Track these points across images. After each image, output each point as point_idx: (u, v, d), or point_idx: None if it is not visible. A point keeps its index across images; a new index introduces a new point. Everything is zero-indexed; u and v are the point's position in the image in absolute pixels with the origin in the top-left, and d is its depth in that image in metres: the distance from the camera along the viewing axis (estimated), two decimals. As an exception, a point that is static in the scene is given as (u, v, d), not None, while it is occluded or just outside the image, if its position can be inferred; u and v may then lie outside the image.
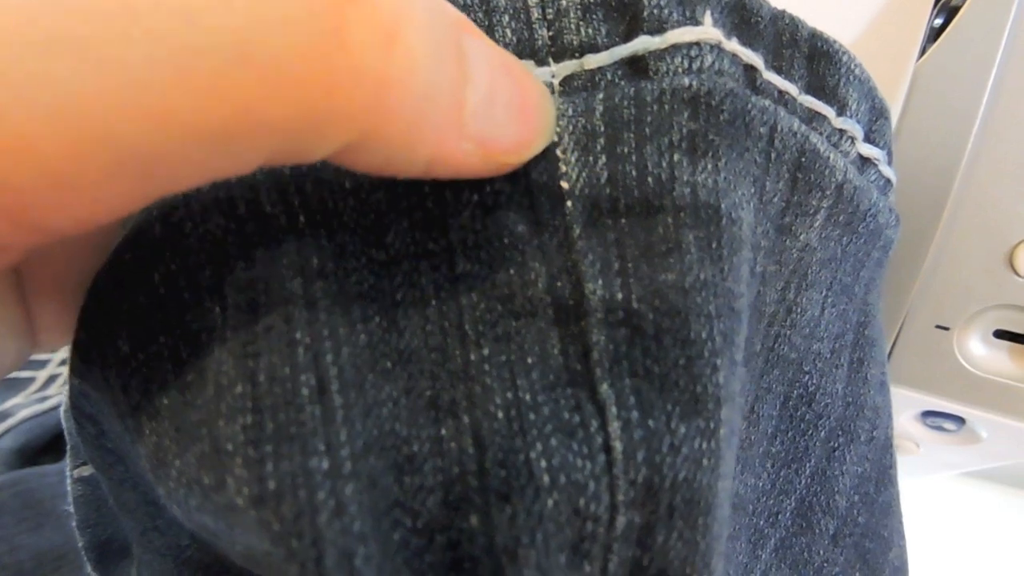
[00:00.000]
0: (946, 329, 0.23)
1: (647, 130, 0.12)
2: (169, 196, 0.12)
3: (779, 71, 0.14)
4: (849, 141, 0.14)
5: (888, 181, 0.16)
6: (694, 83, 0.12)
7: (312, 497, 0.10)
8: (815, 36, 0.14)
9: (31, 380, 0.34)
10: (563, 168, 0.12)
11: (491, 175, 0.11)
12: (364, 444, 0.11)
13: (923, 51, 0.22)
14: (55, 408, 0.32)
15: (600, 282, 0.11)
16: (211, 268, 0.11)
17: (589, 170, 0.12)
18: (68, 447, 0.17)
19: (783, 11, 0.14)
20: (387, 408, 0.11)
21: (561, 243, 0.12)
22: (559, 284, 0.12)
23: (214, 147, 0.08)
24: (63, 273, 0.13)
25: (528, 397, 0.11)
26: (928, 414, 0.25)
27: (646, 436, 0.11)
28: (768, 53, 0.13)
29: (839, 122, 0.14)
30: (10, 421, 0.31)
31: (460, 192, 0.12)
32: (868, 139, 0.15)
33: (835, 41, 0.14)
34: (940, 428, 0.26)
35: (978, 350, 0.23)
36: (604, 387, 0.11)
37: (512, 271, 0.12)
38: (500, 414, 0.11)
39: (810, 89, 0.14)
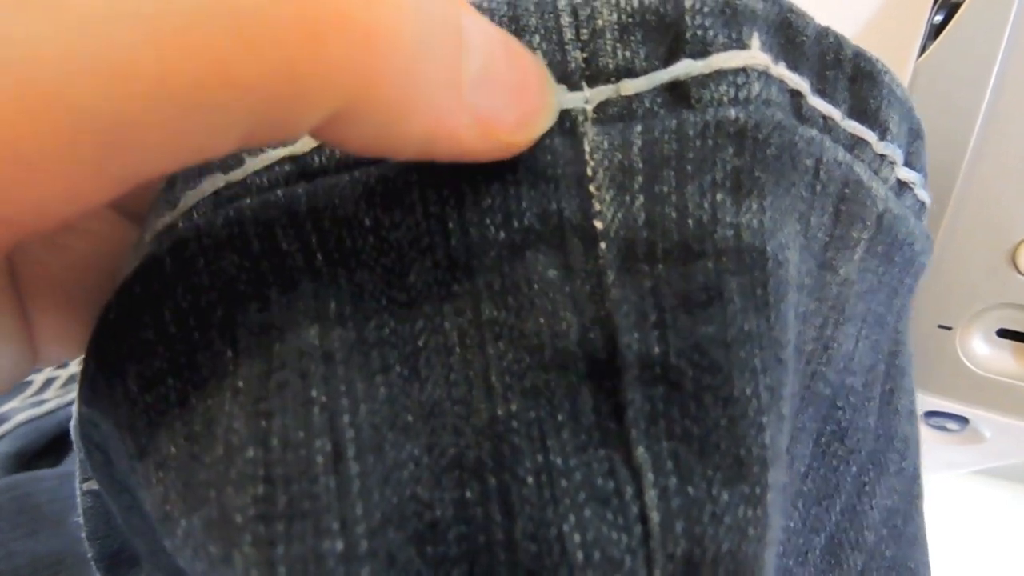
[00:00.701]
0: (948, 329, 0.23)
1: (689, 167, 0.11)
2: (179, 228, 0.11)
3: (823, 94, 0.13)
4: (889, 166, 0.14)
5: (923, 204, 0.15)
6: (741, 116, 0.11)
7: None
8: (858, 56, 0.13)
9: (28, 383, 0.34)
10: (597, 207, 0.11)
11: (494, 158, 0.11)
12: (382, 516, 0.10)
13: (923, 49, 0.22)
14: (52, 412, 0.32)
15: (635, 335, 0.11)
16: (223, 308, 0.11)
17: (625, 210, 0.11)
18: (77, 460, 0.17)
19: (827, 29, 0.13)
20: (408, 470, 0.10)
21: (594, 290, 0.11)
22: (591, 336, 0.11)
23: (185, 111, 0.07)
24: (63, 287, 0.13)
25: (559, 461, 0.10)
26: (931, 414, 0.25)
27: (685, 505, 0.10)
28: (812, 75, 0.13)
29: (880, 147, 0.13)
30: (6, 425, 0.31)
31: (486, 229, 0.11)
32: (907, 162, 0.14)
33: (877, 60, 0.13)
34: (943, 428, 0.25)
35: (981, 349, 0.23)
36: (640, 450, 0.10)
37: (542, 320, 0.11)
38: (530, 479, 0.10)
39: (853, 113, 0.13)
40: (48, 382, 0.34)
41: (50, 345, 0.13)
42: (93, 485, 0.17)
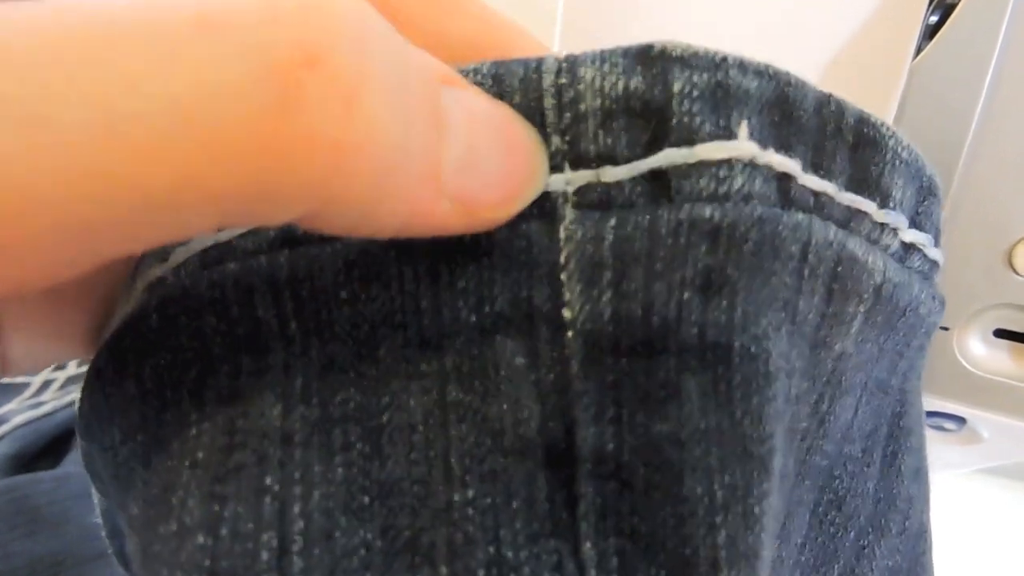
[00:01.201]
0: (946, 329, 0.23)
1: (658, 265, 0.11)
2: (168, 283, 0.12)
3: (819, 168, 0.12)
4: (891, 233, 0.13)
5: (934, 263, 0.15)
6: (716, 215, 0.11)
7: None
8: (861, 122, 0.13)
9: (25, 385, 0.34)
10: (567, 296, 0.11)
11: (475, 231, 0.11)
12: None
13: (919, 49, 0.22)
14: (50, 414, 0.32)
15: (592, 429, 0.11)
16: (196, 370, 0.11)
17: (593, 304, 0.11)
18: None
19: (829, 97, 0.12)
20: (358, 556, 0.10)
21: (557, 380, 0.11)
22: (551, 425, 0.11)
23: (157, 214, 0.07)
24: (35, 315, 0.13)
25: (511, 554, 0.10)
26: (929, 414, 0.25)
27: None
28: (808, 150, 0.12)
29: (880, 215, 0.13)
30: (4, 427, 0.31)
31: (459, 311, 0.11)
32: (914, 223, 0.14)
33: (882, 124, 0.13)
34: (941, 428, 0.25)
35: (978, 350, 0.23)
36: (587, 545, 0.10)
37: (505, 406, 0.11)
38: (481, 572, 0.10)
39: (851, 183, 0.13)
40: (46, 384, 0.34)
41: (18, 363, 0.13)
42: None
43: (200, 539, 0.10)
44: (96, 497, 0.18)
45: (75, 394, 0.34)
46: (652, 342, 0.11)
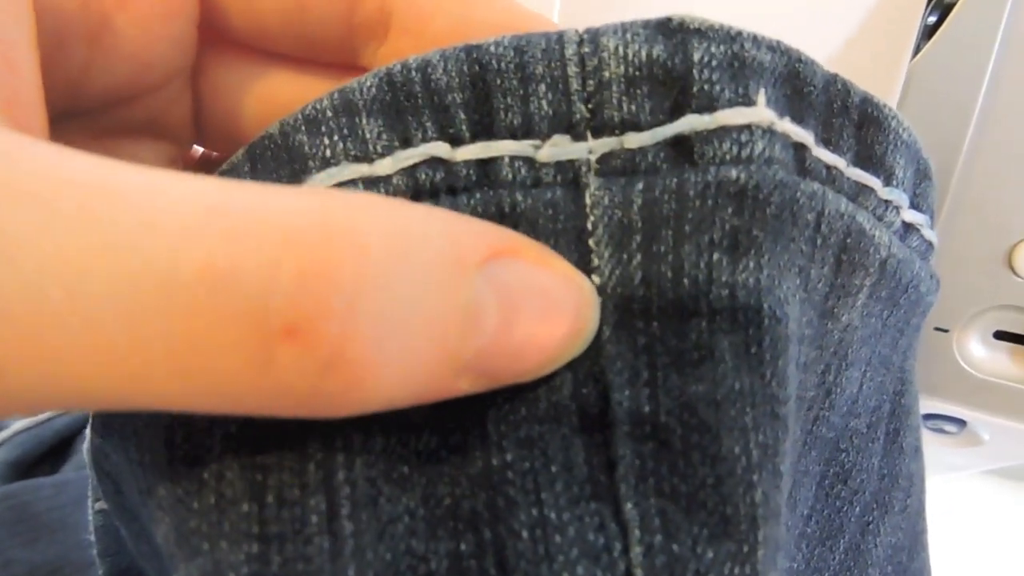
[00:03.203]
0: (945, 331, 0.23)
1: (687, 227, 0.11)
2: None
3: (828, 143, 0.13)
4: (895, 211, 0.14)
5: (930, 245, 0.15)
6: (742, 176, 0.11)
7: None
8: (866, 102, 0.13)
9: (24, 392, 0.34)
10: (595, 262, 0.11)
11: (497, 388, 0.11)
12: (375, 575, 0.10)
13: (917, 49, 0.22)
14: (50, 420, 0.32)
15: (627, 392, 0.11)
16: None
17: (623, 267, 0.11)
18: (91, 481, 0.17)
19: (835, 76, 0.13)
20: (403, 523, 0.11)
21: (589, 346, 0.11)
22: (585, 391, 0.11)
23: (129, 407, 0.09)
24: None
25: (553, 515, 0.10)
26: (929, 417, 0.25)
27: (669, 562, 0.10)
28: (818, 124, 0.13)
29: (885, 192, 0.13)
30: (4, 433, 0.31)
31: None
32: (913, 204, 0.14)
33: (885, 105, 0.13)
34: (941, 431, 0.25)
35: (978, 352, 0.23)
36: (628, 506, 0.11)
37: None
38: (525, 533, 0.10)
39: (858, 160, 0.13)
40: (45, 391, 0.34)
41: None
42: (105, 504, 0.18)
43: (245, 507, 0.10)
44: (91, 509, 0.18)
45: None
46: (683, 304, 0.11)
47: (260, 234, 0.08)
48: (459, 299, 0.09)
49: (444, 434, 0.11)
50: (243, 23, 0.14)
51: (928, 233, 0.15)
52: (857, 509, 0.14)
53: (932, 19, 0.22)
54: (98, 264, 0.08)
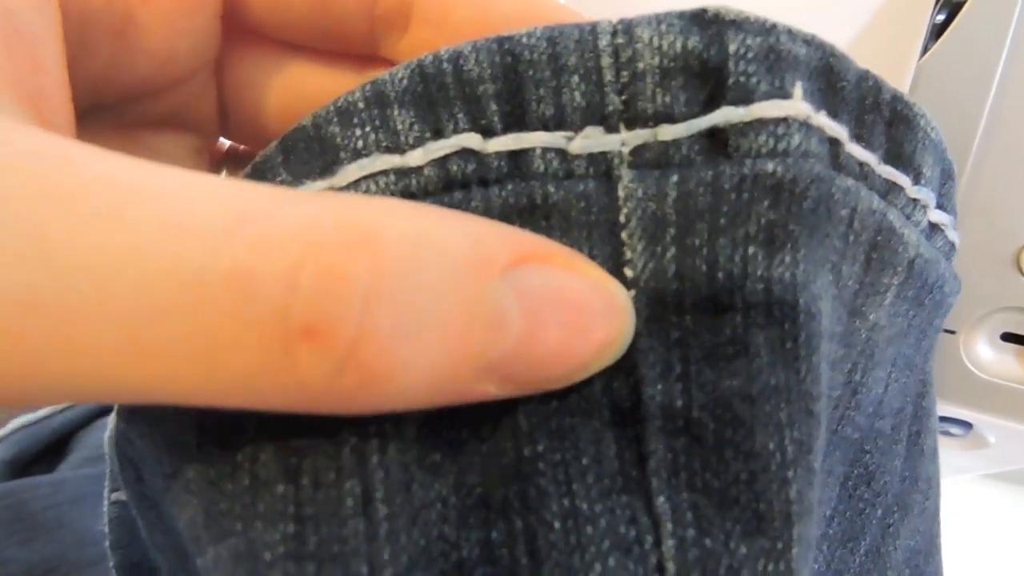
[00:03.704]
0: (952, 332, 0.23)
1: (722, 220, 0.11)
2: None
3: (860, 139, 0.13)
4: (922, 210, 0.14)
5: (952, 246, 0.15)
6: (779, 169, 0.11)
7: None
8: (896, 99, 0.13)
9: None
10: (628, 255, 0.11)
11: (525, 395, 0.11)
12: (409, 559, 0.10)
13: (925, 49, 0.22)
14: (47, 418, 0.32)
15: (659, 387, 0.11)
16: None
17: (656, 261, 0.11)
18: (107, 470, 0.17)
19: (867, 72, 0.13)
20: (436, 510, 0.11)
21: None
22: (616, 385, 0.11)
23: (153, 401, 0.09)
24: None
25: (585, 506, 0.10)
26: (934, 419, 0.25)
27: (701, 556, 0.10)
28: (851, 120, 0.12)
29: (914, 191, 0.13)
30: (1, 431, 0.31)
31: None
32: (939, 205, 0.14)
33: (914, 104, 0.13)
34: (947, 433, 0.25)
35: (985, 354, 0.23)
36: (660, 500, 0.10)
37: None
38: (557, 524, 0.10)
39: (889, 157, 0.13)
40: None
41: None
42: (120, 496, 0.18)
43: (280, 489, 0.10)
44: (107, 500, 0.18)
45: (72, 398, 0.33)
46: (718, 298, 0.11)
47: (282, 240, 0.08)
48: (480, 303, 0.09)
49: (475, 425, 0.11)
50: (266, 15, 0.14)
51: (952, 234, 0.15)
52: (879, 511, 0.14)
53: (940, 18, 0.22)
54: (128, 263, 0.08)
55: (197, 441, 0.11)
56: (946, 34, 0.21)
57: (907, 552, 0.15)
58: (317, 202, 0.09)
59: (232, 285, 0.08)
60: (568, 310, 0.10)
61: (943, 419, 0.24)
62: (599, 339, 0.10)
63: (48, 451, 0.32)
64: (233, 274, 0.08)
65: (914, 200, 0.13)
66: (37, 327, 0.08)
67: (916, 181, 0.13)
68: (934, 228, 0.14)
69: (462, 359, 0.09)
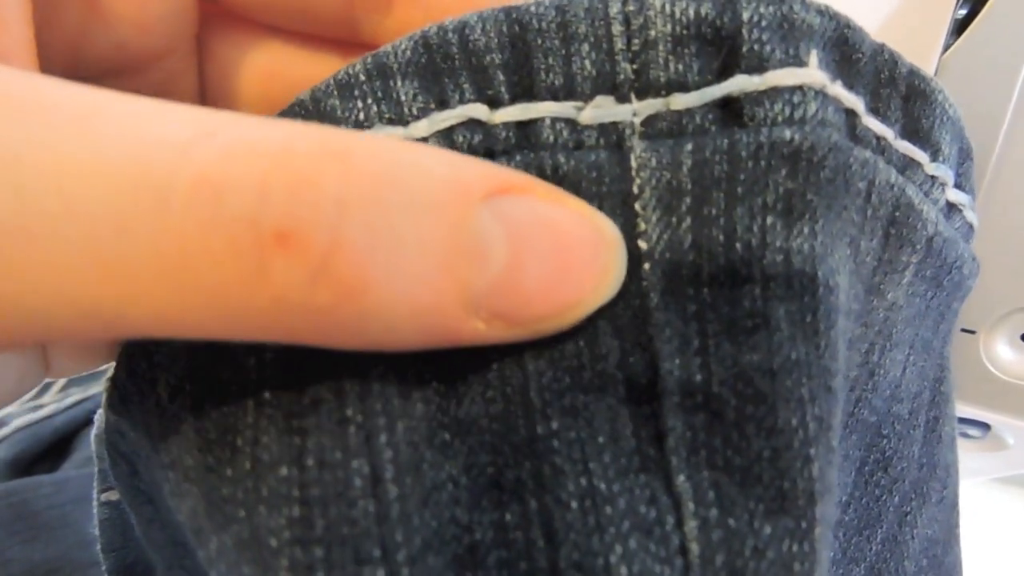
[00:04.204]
0: (972, 332, 0.22)
1: (739, 189, 0.11)
2: None
3: (877, 113, 0.12)
4: (940, 188, 0.13)
5: (971, 227, 0.15)
6: (796, 137, 0.11)
7: None
8: (913, 74, 0.13)
9: (24, 388, 0.33)
10: (642, 226, 0.11)
11: (526, 340, 0.10)
12: (422, 541, 0.10)
13: (947, 45, 0.21)
14: (49, 417, 0.31)
15: (677, 361, 0.10)
16: None
17: (672, 232, 0.11)
18: (96, 470, 0.17)
19: (883, 46, 0.12)
20: (447, 491, 0.10)
21: (636, 313, 0.11)
22: (632, 360, 0.11)
23: (134, 333, 0.09)
24: None
25: (603, 486, 0.10)
26: (951, 420, 0.24)
27: (726, 537, 0.10)
28: (867, 93, 0.12)
29: (932, 168, 0.13)
30: (3, 431, 0.31)
31: None
32: (957, 184, 0.14)
33: (931, 79, 0.13)
34: (965, 435, 0.25)
35: (1005, 354, 0.22)
36: (681, 479, 0.10)
37: (582, 343, 0.11)
38: (574, 504, 0.10)
39: (906, 132, 0.13)
40: (45, 387, 0.33)
41: (62, 357, 0.13)
42: (111, 496, 0.17)
43: (283, 471, 0.10)
44: (96, 501, 0.17)
45: (75, 396, 0.33)
46: (736, 270, 0.10)
47: (252, 150, 0.08)
48: (461, 228, 0.09)
49: (485, 402, 0.11)
50: None
51: (970, 215, 0.14)
52: (896, 498, 0.14)
53: (963, 12, 0.21)
54: (95, 175, 0.08)
55: (195, 427, 0.11)
56: (968, 29, 0.21)
57: (925, 541, 0.15)
58: (287, 124, 0.09)
59: (201, 193, 0.08)
60: (554, 240, 0.10)
61: (961, 420, 0.24)
62: (588, 273, 0.10)
63: (51, 450, 0.31)
64: (202, 182, 0.08)
65: (932, 177, 0.13)
66: (3, 250, 0.08)
67: (934, 158, 0.13)
68: (952, 208, 0.14)
69: (444, 286, 0.09)
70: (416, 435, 0.10)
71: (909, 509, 0.14)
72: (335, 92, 0.11)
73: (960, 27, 0.21)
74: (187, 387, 0.11)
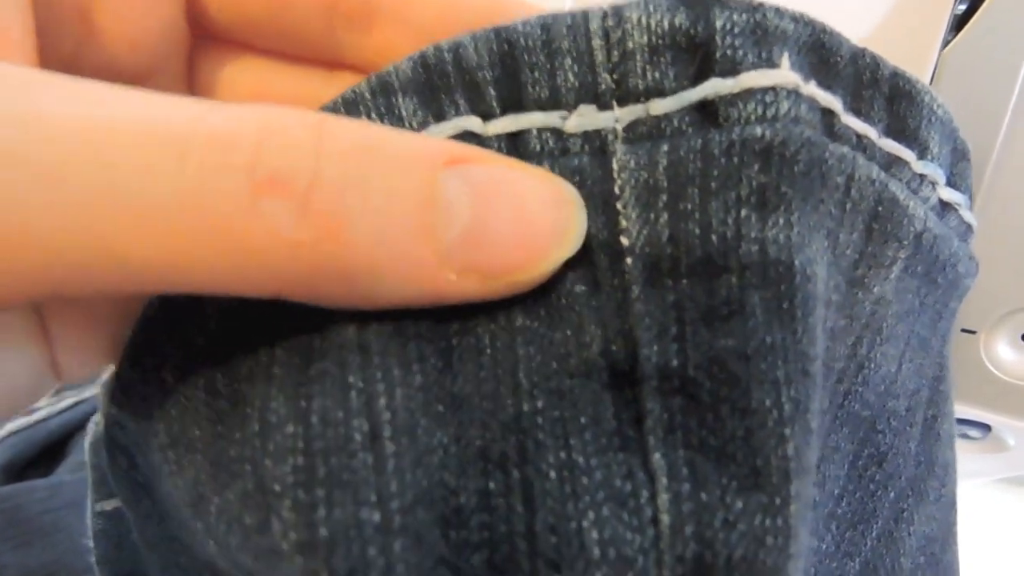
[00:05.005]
0: (972, 333, 0.22)
1: (713, 184, 0.11)
2: None
3: (858, 113, 0.13)
4: (930, 186, 0.14)
5: (969, 227, 0.15)
6: (767, 133, 0.11)
7: (364, 552, 0.10)
8: (896, 75, 0.13)
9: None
10: (624, 224, 0.11)
11: (501, 296, 0.11)
12: (413, 496, 0.10)
13: (946, 42, 0.21)
14: (43, 421, 0.31)
15: (655, 348, 0.11)
16: (265, 307, 0.11)
17: (650, 227, 0.11)
18: (91, 480, 0.17)
19: (864, 49, 0.13)
20: (437, 456, 0.11)
21: (619, 305, 0.11)
22: (614, 348, 0.11)
23: (134, 278, 0.10)
24: (80, 328, 0.14)
25: (581, 459, 0.11)
26: (952, 421, 0.24)
27: (696, 509, 0.10)
28: (847, 95, 0.13)
29: (920, 166, 0.13)
30: (-3, 435, 0.30)
31: None
32: (950, 183, 0.14)
33: (917, 80, 0.13)
34: (965, 436, 0.25)
35: (1006, 355, 0.22)
36: (656, 456, 0.11)
37: (569, 332, 0.11)
38: (552, 474, 0.11)
39: (890, 132, 0.13)
40: (38, 390, 0.33)
41: (72, 359, 0.14)
42: (106, 506, 0.18)
43: (290, 428, 0.11)
44: (91, 511, 0.17)
45: (69, 399, 0.33)
46: (712, 260, 0.11)
47: (251, 119, 0.10)
48: (427, 187, 0.10)
49: (478, 381, 0.11)
50: (220, 14, 0.15)
51: (967, 215, 0.15)
52: (892, 494, 0.14)
53: (962, 8, 0.21)
54: (123, 133, 0.09)
55: (206, 400, 0.11)
56: (968, 25, 0.21)
57: (922, 539, 0.15)
58: (275, 106, 0.10)
59: (214, 148, 0.09)
60: (515, 197, 0.11)
61: (961, 421, 0.24)
62: (550, 227, 0.11)
63: (45, 454, 0.31)
64: (214, 139, 0.09)
65: (921, 175, 0.13)
66: (36, 193, 0.09)
67: (922, 156, 0.13)
68: (946, 206, 0.14)
69: (415, 234, 0.10)
70: (413, 403, 0.11)
71: (906, 506, 0.14)
72: (341, 109, 0.12)
73: (959, 23, 0.21)
74: (207, 372, 0.12)
